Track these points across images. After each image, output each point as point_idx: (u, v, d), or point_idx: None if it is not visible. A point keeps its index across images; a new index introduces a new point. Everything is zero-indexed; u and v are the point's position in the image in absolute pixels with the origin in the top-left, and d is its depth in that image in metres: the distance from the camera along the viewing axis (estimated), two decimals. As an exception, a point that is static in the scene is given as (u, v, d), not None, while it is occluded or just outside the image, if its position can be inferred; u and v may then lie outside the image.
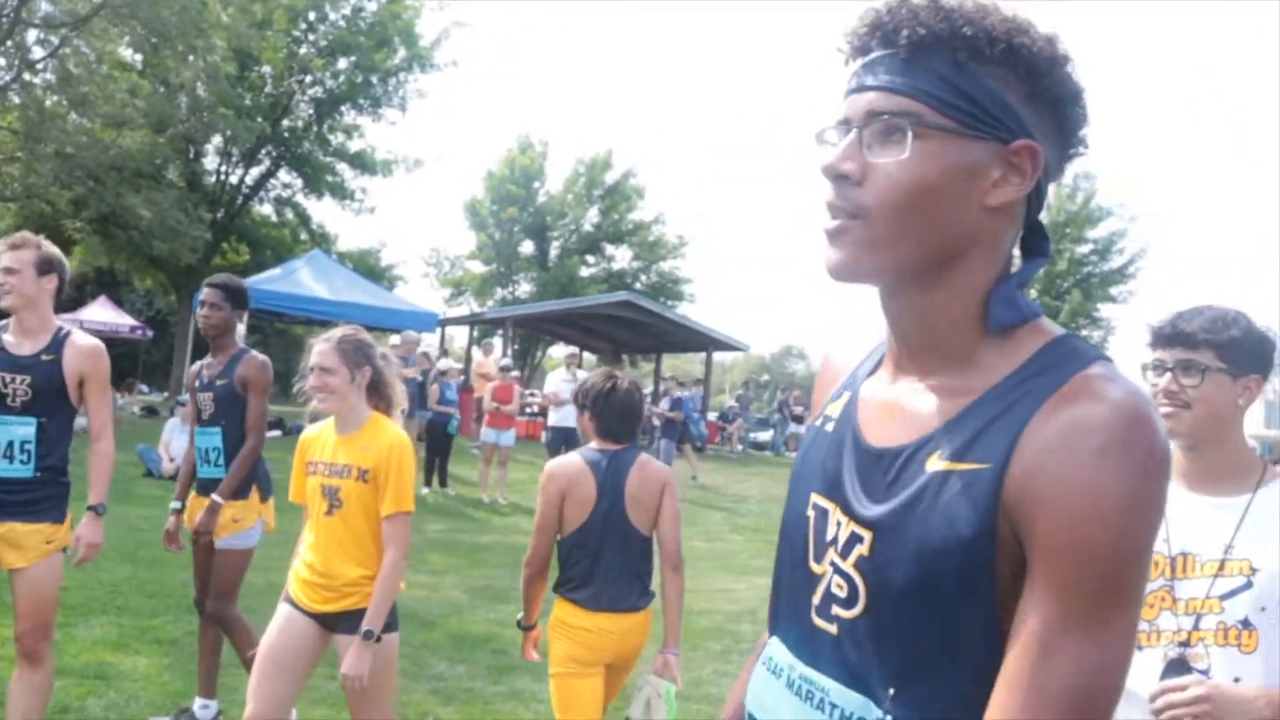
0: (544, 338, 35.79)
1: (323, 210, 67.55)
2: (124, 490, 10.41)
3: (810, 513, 1.19)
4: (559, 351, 21.20)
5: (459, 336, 31.17)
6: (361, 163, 29.36)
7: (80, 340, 3.80)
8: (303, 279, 17.83)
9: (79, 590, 6.24)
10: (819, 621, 1.13)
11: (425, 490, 12.25)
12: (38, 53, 20.86)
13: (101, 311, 25.69)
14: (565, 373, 13.34)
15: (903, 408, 1.14)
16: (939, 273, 1.08)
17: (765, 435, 26.34)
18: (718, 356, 27.81)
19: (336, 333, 3.46)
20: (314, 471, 3.43)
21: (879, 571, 1.05)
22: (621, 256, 39.28)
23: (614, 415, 3.67)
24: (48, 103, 21.42)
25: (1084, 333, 35.25)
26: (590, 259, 38.62)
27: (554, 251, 38.30)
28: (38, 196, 22.16)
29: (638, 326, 25.85)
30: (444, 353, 22.44)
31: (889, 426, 1.14)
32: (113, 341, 27.38)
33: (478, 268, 39.13)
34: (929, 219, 1.05)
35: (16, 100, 20.75)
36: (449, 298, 39.39)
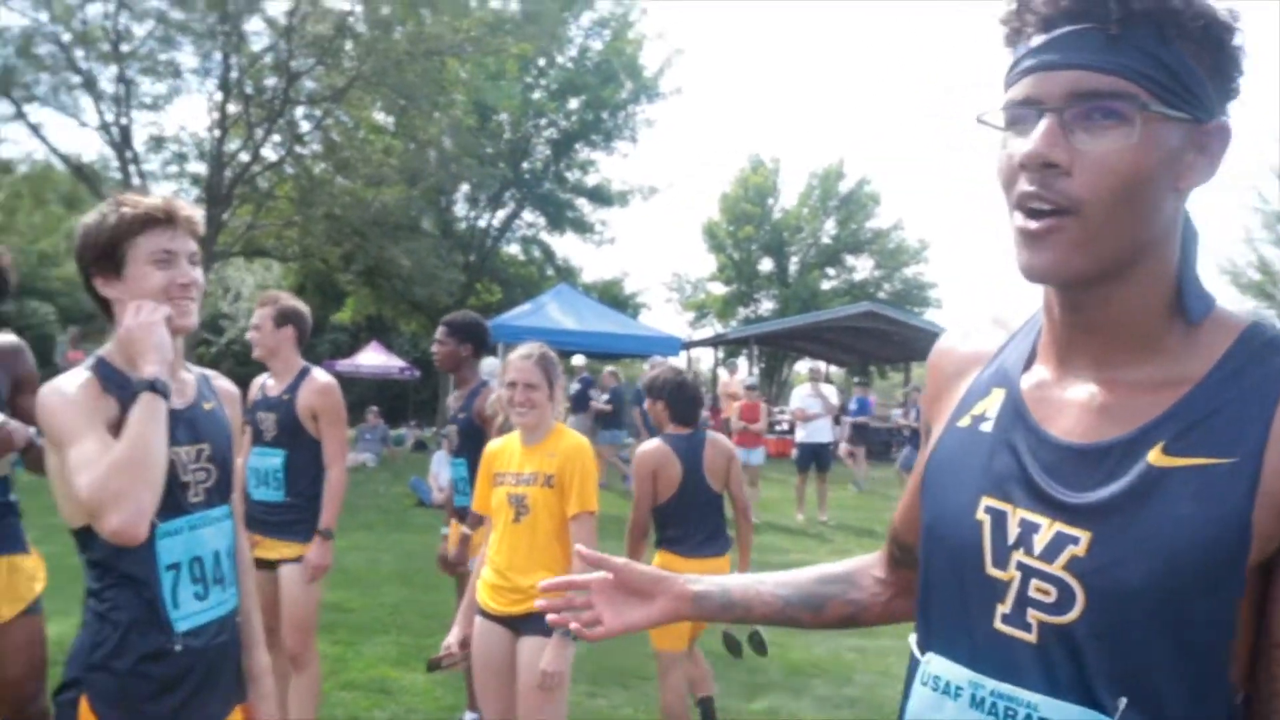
0: (789, 354, 35.58)
1: (566, 245, 69.59)
2: (399, 520, 11.15)
3: (983, 517, 1.11)
4: (805, 367, 20.99)
5: (704, 358, 31.53)
6: (599, 196, 30.26)
7: (314, 379, 4.15)
8: (550, 313, 18.44)
9: (363, 612, 6.73)
10: (1009, 630, 1.06)
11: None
12: (304, 126, 22.80)
13: (374, 356, 27.69)
14: (810, 388, 13.16)
15: (1099, 401, 1.08)
16: (1134, 264, 1.04)
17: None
18: (970, 360, 26.72)
19: (534, 349, 3.54)
20: (501, 482, 3.53)
21: (1103, 572, 1.00)
22: (862, 266, 38.59)
23: (685, 404, 4.51)
24: (316, 170, 23.29)
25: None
26: (830, 271, 38.15)
27: (793, 267, 38.08)
28: (314, 255, 24.18)
29: (883, 336, 25.31)
30: (692, 375, 22.77)
31: (1085, 421, 1.08)
32: (385, 383, 29.49)
33: (719, 289, 39.44)
34: (1142, 210, 1.01)
35: (290, 171, 22.74)
36: (693, 320, 39.88)
